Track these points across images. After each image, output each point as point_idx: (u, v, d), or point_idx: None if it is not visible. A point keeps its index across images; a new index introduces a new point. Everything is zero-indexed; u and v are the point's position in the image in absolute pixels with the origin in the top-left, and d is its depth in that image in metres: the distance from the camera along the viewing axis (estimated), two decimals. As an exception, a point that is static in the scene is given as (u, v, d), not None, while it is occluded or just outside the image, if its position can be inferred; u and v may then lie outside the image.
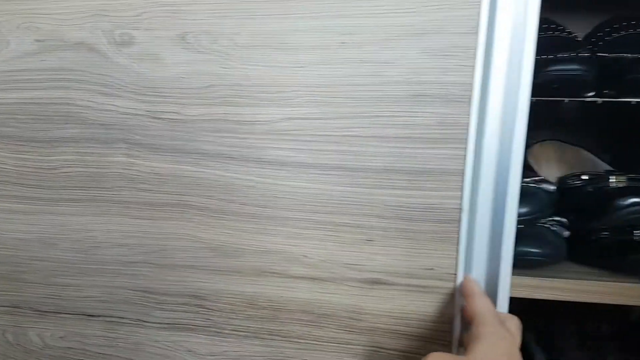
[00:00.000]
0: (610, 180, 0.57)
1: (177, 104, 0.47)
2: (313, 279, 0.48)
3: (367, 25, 0.42)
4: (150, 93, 0.47)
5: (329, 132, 0.45)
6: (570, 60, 0.58)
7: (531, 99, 0.41)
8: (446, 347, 0.46)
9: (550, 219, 0.54)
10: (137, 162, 0.49)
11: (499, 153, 0.42)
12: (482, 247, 0.44)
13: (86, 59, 0.48)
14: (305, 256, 0.47)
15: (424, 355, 0.45)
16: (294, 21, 0.43)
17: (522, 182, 0.50)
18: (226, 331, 0.50)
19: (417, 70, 0.42)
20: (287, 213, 0.47)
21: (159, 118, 0.48)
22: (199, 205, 0.48)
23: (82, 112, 0.49)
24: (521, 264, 0.49)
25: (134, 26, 0.47)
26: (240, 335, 0.50)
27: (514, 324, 0.41)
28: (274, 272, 0.48)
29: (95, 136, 0.50)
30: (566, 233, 0.53)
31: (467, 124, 0.42)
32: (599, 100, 0.60)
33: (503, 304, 0.44)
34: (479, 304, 0.41)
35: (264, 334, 0.50)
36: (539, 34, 0.40)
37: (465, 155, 0.42)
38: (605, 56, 0.60)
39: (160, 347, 0.52)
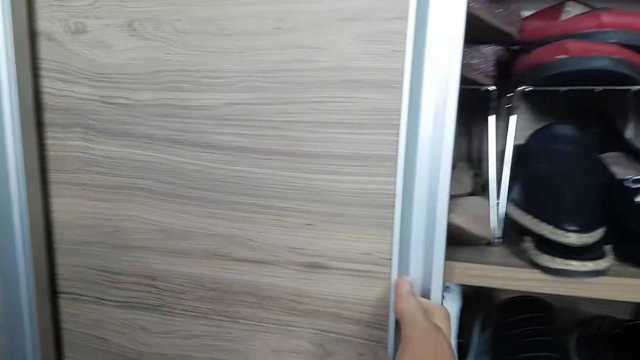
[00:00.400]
0: None
1: (127, 89, 0.48)
2: (257, 262, 0.49)
3: (299, 11, 0.43)
4: (103, 79, 0.49)
5: (269, 117, 0.46)
6: None
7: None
8: (383, 331, 0.46)
9: None
10: (92, 146, 0.51)
11: (432, 139, 0.42)
12: (419, 232, 0.44)
13: (46, 47, 0.50)
14: (250, 239, 0.48)
15: (362, 338, 0.46)
16: (231, 7, 0.44)
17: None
18: (177, 311, 0.52)
19: (350, 55, 0.42)
20: (233, 197, 0.48)
21: (111, 103, 0.49)
22: (150, 188, 0.50)
23: (43, 98, 0.51)
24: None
25: (86, 15, 0.48)
26: (190, 315, 0.52)
27: (441, 315, 0.41)
28: (220, 255, 0.49)
29: (55, 121, 0.52)
30: None
31: (400, 110, 0.42)
32: None
33: (436, 290, 0.44)
34: (404, 304, 0.41)
35: (212, 314, 0.51)
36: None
37: (398, 141, 0.42)
38: None
39: (117, 324, 0.54)
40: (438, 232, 0.43)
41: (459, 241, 0.50)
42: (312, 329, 0.48)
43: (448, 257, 0.44)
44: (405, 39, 0.40)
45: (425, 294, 0.44)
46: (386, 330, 0.46)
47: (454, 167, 0.56)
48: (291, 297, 0.48)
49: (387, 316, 0.46)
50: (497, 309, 0.66)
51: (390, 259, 0.45)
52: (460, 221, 0.48)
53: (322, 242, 0.47)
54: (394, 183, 0.43)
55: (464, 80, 0.51)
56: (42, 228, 0.53)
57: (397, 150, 0.42)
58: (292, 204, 0.47)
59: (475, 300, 0.64)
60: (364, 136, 0.44)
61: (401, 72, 0.41)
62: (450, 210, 0.46)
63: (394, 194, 0.43)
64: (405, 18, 0.40)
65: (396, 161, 0.43)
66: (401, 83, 0.41)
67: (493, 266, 0.47)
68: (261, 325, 0.50)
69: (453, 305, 0.58)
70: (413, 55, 0.40)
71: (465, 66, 0.49)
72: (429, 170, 0.42)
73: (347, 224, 0.46)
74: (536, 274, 0.46)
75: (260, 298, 0.49)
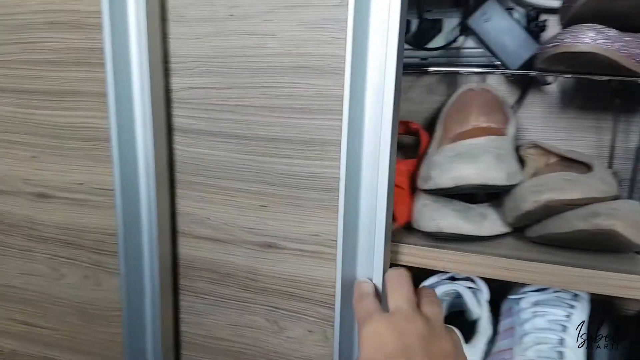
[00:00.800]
0: None
1: (95, 74, 0.51)
2: (216, 240, 0.51)
3: (250, -2, 0.44)
4: (75, 63, 0.52)
5: (224, 101, 0.47)
6: None
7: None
8: (330, 310, 0.48)
9: None
10: (67, 127, 0.54)
11: (376, 124, 0.43)
12: (366, 215, 0.45)
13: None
14: (209, 219, 0.51)
15: (312, 316, 0.48)
16: (187, -5, 0.46)
17: None
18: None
19: (296, 42, 0.44)
20: (193, 178, 0.50)
21: (83, 87, 0.52)
22: (119, 168, 0.53)
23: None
24: None
25: (58, 1, 0.51)
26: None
27: (396, 298, 0.41)
28: (183, 233, 0.52)
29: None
30: None
31: (342, 96, 0.43)
32: None
33: (378, 273, 0.45)
34: (356, 309, 0.42)
35: (178, 289, 0.54)
36: None
37: (341, 126, 0.43)
38: None
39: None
40: (379, 215, 0.44)
41: (608, 248, 0.47)
42: (267, 305, 0.51)
43: (595, 267, 0.44)
44: (345, 26, 0.41)
45: (370, 277, 0.45)
46: (333, 309, 0.47)
47: (589, 167, 0.52)
48: (246, 275, 0.51)
49: (334, 296, 0.47)
50: (631, 320, 0.61)
51: (336, 241, 0.46)
52: (619, 227, 0.44)
53: (274, 223, 0.48)
54: (339, 167, 0.44)
55: (622, 71, 0.48)
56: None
57: (340, 135, 0.43)
58: (247, 186, 0.49)
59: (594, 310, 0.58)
60: (310, 121, 0.45)
61: (343, 58, 0.42)
62: (609, 216, 0.44)
63: (338, 178, 0.44)
64: (345, 5, 0.41)
65: (340, 146, 0.44)
66: (343, 69, 0.42)
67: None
68: (221, 301, 0.52)
69: (582, 315, 0.55)
70: (353, 42, 0.41)
71: (626, 55, 0.47)
72: (373, 155, 0.43)
73: (297, 206, 0.47)
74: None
75: (220, 275, 0.52)
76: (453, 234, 0.48)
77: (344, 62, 0.42)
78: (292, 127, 0.45)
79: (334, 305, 0.47)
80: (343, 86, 0.42)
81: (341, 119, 0.43)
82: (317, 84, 0.44)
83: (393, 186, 0.44)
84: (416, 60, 0.65)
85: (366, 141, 0.43)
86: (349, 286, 0.46)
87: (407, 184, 0.55)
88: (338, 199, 0.45)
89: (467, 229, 0.49)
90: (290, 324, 0.50)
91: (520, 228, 0.51)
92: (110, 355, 0.58)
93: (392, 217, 0.45)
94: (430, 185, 0.50)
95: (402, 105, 0.68)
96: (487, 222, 0.50)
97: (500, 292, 0.61)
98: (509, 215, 0.50)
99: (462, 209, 0.50)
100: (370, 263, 0.45)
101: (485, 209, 0.52)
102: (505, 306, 0.60)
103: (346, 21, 0.41)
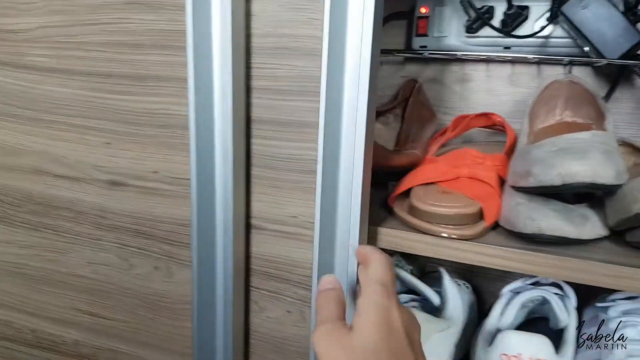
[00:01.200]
0: None
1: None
2: (201, 219, 0.52)
3: (232, -22, 0.44)
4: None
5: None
6: None
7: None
8: (308, 291, 0.48)
9: None
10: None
11: (353, 106, 0.43)
12: (344, 197, 0.45)
13: None
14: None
15: (290, 297, 0.48)
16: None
17: None
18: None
19: (276, 23, 0.44)
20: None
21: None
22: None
23: None
24: None
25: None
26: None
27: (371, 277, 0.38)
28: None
29: None
30: None
31: (319, 77, 0.43)
32: None
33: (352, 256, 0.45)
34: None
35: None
36: None
37: (319, 108, 0.43)
38: None
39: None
40: (355, 198, 0.44)
41: None
42: (255, 287, 0.51)
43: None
44: (322, 7, 0.41)
45: (347, 259, 0.45)
46: (311, 291, 0.48)
47: None
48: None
49: (311, 277, 0.47)
50: None
51: (314, 223, 0.46)
52: None
53: (257, 204, 0.49)
54: (317, 149, 0.44)
55: None
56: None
57: (318, 117, 0.43)
58: (231, 167, 0.49)
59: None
60: (289, 102, 0.45)
61: (320, 40, 0.42)
62: None
63: (317, 160, 0.44)
64: (323, -15, 0.41)
65: (318, 128, 0.44)
66: (320, 50, 0.42)
67: None
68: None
69: None
70: (330, 23, 0.41)
71: None
72: (351, 137, 0.43)
73: (277, 188, 0.48)
74: None
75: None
76: (555, 236, 0.44)
77: (322, 43, 0.42)
78: (273, 108, 0.46)
79: (311, 286, 0.48)
80: (321, 67, 0.42)
81: (318, 101, 0.43)
82: (296, 65, 0.44)
83: (370, 169, 0.44)
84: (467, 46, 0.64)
85: (344, 123, 0.43)
86: (326, 268, 0.46)
87: (495, 181, 0.51)
88: (316, 181, 0.45)
89: (569, 232, 0.44)
90: (269, 304, 0.51)
91: (618, 232, 0.47)
92: (177, 349, 0.56)
93: (369, 200, 0.45)
94: (531, 182, 0.45)
95: (477, 97, 0.68)
96: (589, 224, 0.46)
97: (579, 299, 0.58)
98: (612, 218, 0.45)
99: (562, 209, 0.45)
100: (347, 245, 0.45)
101: (585, 210, 0.47)
102: (589, 314, 0.57)
103: (322, 1, 0.41)
